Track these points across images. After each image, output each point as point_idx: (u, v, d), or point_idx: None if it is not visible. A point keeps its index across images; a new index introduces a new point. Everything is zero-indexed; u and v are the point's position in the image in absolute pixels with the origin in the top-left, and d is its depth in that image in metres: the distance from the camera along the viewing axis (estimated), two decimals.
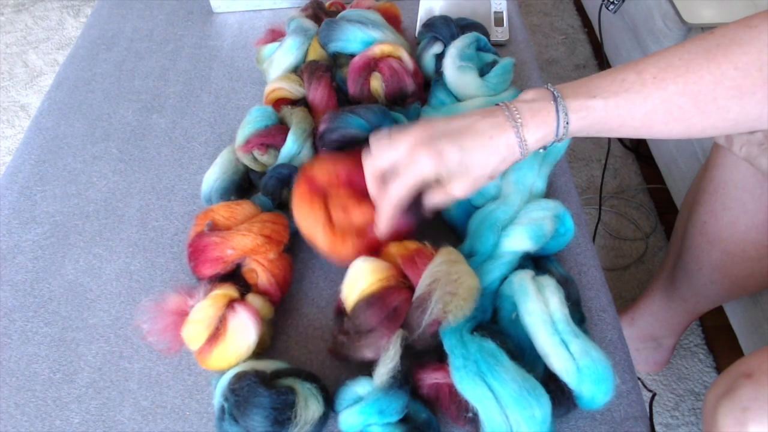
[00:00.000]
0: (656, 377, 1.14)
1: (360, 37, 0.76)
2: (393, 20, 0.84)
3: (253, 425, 0.47)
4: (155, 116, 0.82)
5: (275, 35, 0.85)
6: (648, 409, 0.89)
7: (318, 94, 0.73)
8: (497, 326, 0.54)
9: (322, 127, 0.67)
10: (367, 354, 0.51)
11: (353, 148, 0.63)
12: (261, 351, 0.56)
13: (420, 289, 0.50)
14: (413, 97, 0.74)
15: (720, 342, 1.18)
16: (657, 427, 1.09)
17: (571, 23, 1.95)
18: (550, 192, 0.68)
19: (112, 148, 0.78)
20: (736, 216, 0.77)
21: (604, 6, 1.45)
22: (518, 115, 0.52)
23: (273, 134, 0.67)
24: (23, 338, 0.60)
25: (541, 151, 0.56)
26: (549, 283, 0.53)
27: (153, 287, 0.63)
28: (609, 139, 1.29)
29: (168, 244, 0.67)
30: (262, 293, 0.57)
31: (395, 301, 0.50)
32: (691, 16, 1.13)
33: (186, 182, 0.73)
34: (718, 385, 0.45)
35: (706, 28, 1.12)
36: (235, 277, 0.59)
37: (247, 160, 0.68)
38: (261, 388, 0.47)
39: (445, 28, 0.80)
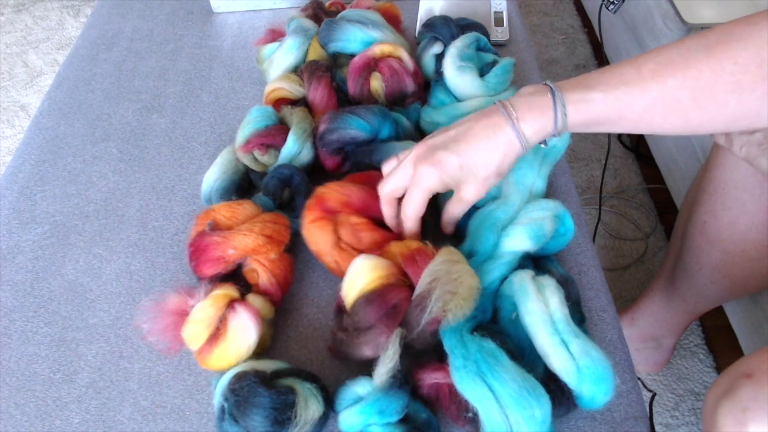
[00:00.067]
0: (656, 377, 1.14)
1: (360, 37, 0.76)
2: (393, 20, 0.84)
3: (253, 425, 0.47)
4: (155, 116, 0.82)
5: (275, 35, 0.85)
6: (648, 409, 0.89)
7: (318, 94, 0.73)
8: (497, 326, 0.54)
9: (322, 127, 0.67)
10: (366, 351, 0.51)
11: (365, 169, 0.64)
12: (261, 351, 0.56)
13: (420, 287, 0.50)
14: (413, 97, 0.74)
15: (720, 342, 1.18)
16: (657, 427, 1.09)
17: (571, 23, 1.95)
18: (550, 192, 0.68)
19: (112, 148, 0.78)
20: (736, 216, 0.77)
21: (604, 6, 1.45)
22: (514, 111, 0.52)
23: (273, 134, 0.67)
24: (23, 338, 0.60)
25: (543, 146, 0.56)
26: (549, 283, 0.53)
27: (153, 287, 0.63)
28: (609, 139, 1.29)
29: (168, 244, 0.67)
30: (263, 293, 0.57)
31: (395, 299, 0.50)
32: (691, 16, 1.13)
33: (186, 182, 0.73)
34: (718, 385, 0.45)
35: (706, 28, 1.12)
36: (235, 277, 0.59)
37: (247, 160, 0.68)
38: (261, 388, 0.47)
39: (445, 28, 0.80)
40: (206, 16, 0.99)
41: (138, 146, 0.78)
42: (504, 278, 0.56)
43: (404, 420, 0.49)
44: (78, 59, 0.92)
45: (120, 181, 0.74)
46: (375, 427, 0.48)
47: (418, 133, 0.72)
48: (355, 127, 0.65)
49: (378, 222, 0.60)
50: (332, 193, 0.59)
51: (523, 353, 0.52)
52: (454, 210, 0.59)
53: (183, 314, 0.53)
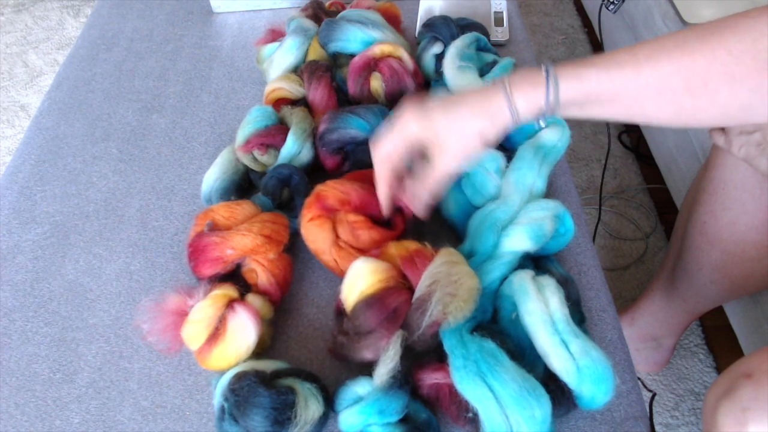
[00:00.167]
0: (656, 377, 1.14)
1: (360, 37, 0.76)
2: (393, 20, 0.84)
3: (253, 425, 0.47)
4: (155, 116, 0.82)
5: (275, 35, 0.85)
6: (648, 409, 0.89)
7: (318, 94, 0.73)
8: (497, 326, 0.54)
9: (322, 127, 0.67)
10: (367, 355, 0.51)
11: (365, 168, 0.64)
12: (261, 351, 0.56)
13: (420, 290, 0.50)
14: None
15: (720, 342, 1.18)
16: (657, 427, 1.09)
17: (571, 23, 1.95)
18: (550, 192, 0.68)
19: (112, 148, 0.78)
20: (735, 216, 0.77)
21: (604, 6, 1.45)
22: (509, 84, 0.53)
23: (273, 134, 0.67)
24: (23, 338, 0.60)
25: (537, 125, 0.56)
26: (549, 283, 0.53)
27: (153, 287, 0.63)
28: (609, 139, 1.29)
29: (168, 244, 0.67)
30: (262, 293, 0.57)
31: (395, 302, 0.50)
32: (691, 16, 1.13)
33: (186, 182, 0.73)
34: (718, 385, 0.45)
35: None
36: (235, 277, 0.59)
37: (247, 160, 0.68)
38: (261, 388, 0.47)
39: (445, 28, 0.80)
40: (206, 16, 0.99)
41: (138, 146, 0.78)
42: (504, 278, 0.56)
43: (404, 420, 0.49)
44: (78, 59, 0.92)
45: (120, 181, 0.74)
46: (375, 427, 0.48)
47: None
48: (355, 126, 0.65)
49: (376, 220, 0.60)
50: (331, 191, 0.59)
51: (523, 353, 0.52)
52: (429, 178, 0.57)
53: (183, 314, 0.53)
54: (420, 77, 0.76)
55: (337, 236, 0.59)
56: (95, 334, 0.60)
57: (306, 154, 0.68)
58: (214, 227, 0.59)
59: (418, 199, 0.59)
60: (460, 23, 0.82)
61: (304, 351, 0.57)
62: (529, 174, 0.61)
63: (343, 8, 0.85)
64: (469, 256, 0.57)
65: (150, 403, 0.55)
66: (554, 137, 0.64)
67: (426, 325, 0.49)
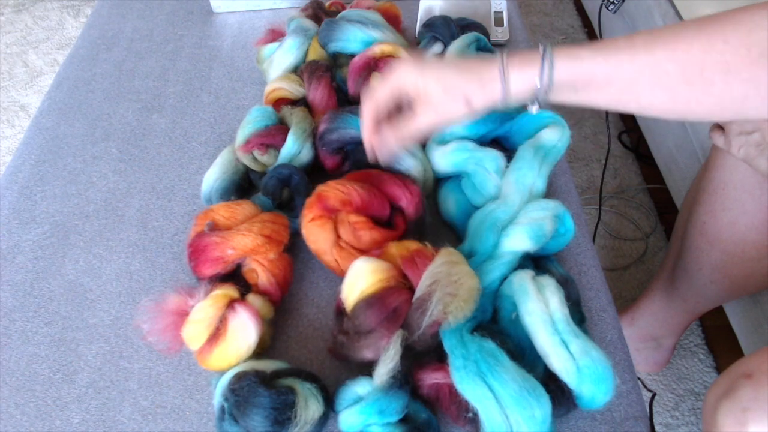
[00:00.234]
0: (656, 377, 1.14)
1: (360, 37, 0.76)
2: (393, 20, 0.84)
3: (253, 425, 0.47)
4: (155, 116, 0.82)
5: (275, 35, 0.85)
6: (648, 409, 0.89)
7: (318, 94, 0.73)
8: (497, 326, 0.54)
9: (322, 127, 0.67)
10: (367, 354, 0.51)
11: (365, 168, 0.64)
12: (261, 351, 0.56)
13: (420, 290, 0.50)
14: None
15: (720, 342, 1.18)
16: (657, 427, 1.09)
17: (571, 23, 1.95)
18: (550, 192, 0.68)
19: (112, 148, 0.78)
20: (735, 216, 0.78)
21: (604, 6, 1.45)
22: (506, 56, 0.53)
23: (273, 134, 0.67)
24: (23, 338, 0.60)
25: (531, 108, 0.56)
26: (549, 283, 0.53)
27: (153, 287, 0.63)
28: (609, 139, 1.29)
29: (168, 244, 0.67)
30: (262, 293, 0.57)
31: (395, 302, 0.50)
32: (692, 16, 1.13)
33: (186, 182, 0.73)
34: (718, 385, 0.45)
35: None
36: (235, 277, 0.59)
37: (247, 160, 0.68)
38: (261, 388, 0.47)
39: (445, 28, 0.80)
40: (206, 16, 0.99)
41: (138, 146, 0.78)
42: (504, 278, 0.56)
43: (404, 420, 0.49)
44: (78, 59, 0.92)
45: (120, 181, 0.74)
46: (375, 427, 0.48)
47: None
48: (355, 126, 0.65)
49: (377, 221, 0.60)
50: (332, 191, 0.59)
51: (523, 353, 0.52)
52: (404, 128, 0.58)
53: (183, 314, 0.53)
54: None
55: (338, 236, 0.59)
56: (95, 334, 0.60)
57: (306, 154, 0.68)
58: (214, 227, 0.59)
59: (386, 145, 0.60)
60: (460, 23, 0.82)
61: (304, 351, 0.57)
62: (529, 174, 0.61)
63: (343, 8, 0.85)
64: (469, 256, 0.57)
65: (150, 403, 0.55)
66: (554, 137, 0.64)
67: (426, 325, 0.49)
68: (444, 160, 0.65)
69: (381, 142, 0.60)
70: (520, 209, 0.59)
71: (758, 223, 0.76)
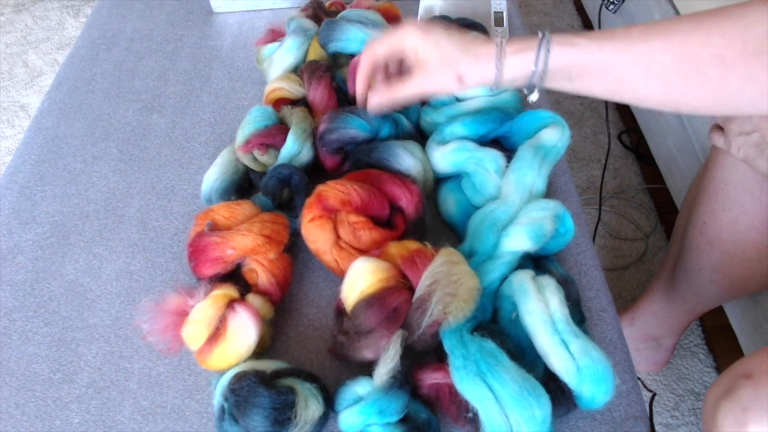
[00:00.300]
0: (656, 377, 1.14)
1: (360, 37, 0.76)
2: (393, 20, 0.84)
3: (253, 425, 0.47)
4: (155, 116, 0.82)
5: (275, 35, 0.85)
6: (648, 409, 0.89)
7: (318, 94, 0.73)
8: (497, 326, 0.54)
9: (322, 127, 0.67)
10: (367, 354, 0.51)
11: (365, 168, 0.64)
12: (261, 351, 0.56)
13: (420, 290, 0.50)
14: None
15: (720, 342, 1.18)
16: (657, 427, 1.09)
17: (571, 23, 1.95)
18: (550, 192, 0.68)
19: (112, 148, 0.78)
20: (735, 216, 0.78)
21: (604, 6, 1.46)
22: (504, 39, 0.54)
23: (273, 134, 0.67)
24: (23, 338, 0.60)
25: (528, 93, 0.56)
26: (549, 283, 0.53)
27: (153, 287, 0.63)
28: (609, 139, 1.29)
29: (168, 244, 0.67)
30: (262, 293, 0.57)
31: (395, 302, 0.50)
32: None
33: (186, 182, 0.73)
34: (718, 385, 0.45)
35: None
36: (235, 277, 0.59)
37: (247, 160, 0.68)
38: (261, 388, 0.47)
39: None
40: (206, 16, 0.99)
41: (138, 146, 0.78)
42: (504, 278, 0.56)
43: (404, 420, 0.49)
44: (78, 59, 0.92)
45: (120, 181, 0.74)
46: (375, 427, 0.48)
47: (418, 133, 0.72)
48: (355, 126, 0.65)
49: (377, 221, 0.60)
50: (332, 191, 0.59)
51: (523, 353, 0.52)
52: (397, 88, 0.59)
53: (183, 314, 0.53)
54: None
55: (338, 237, 0.59)
56: (95, 334, 0.60)
57: (306, 154, 0.68)
58: (214, 227, 0.59)
59: (376, 99, 0.62)
60: (460, 23, 0.82)
61: (304, 351, 0.57)
62: (529, 174, 0.61)
63: (343, 8, 0.85)
64: (469, 256, 0.57)
65: (150, 403, 0.55)
66: (554, 137, 0.64)
67: (426, 325, 0.49)
68: (444, 160, 0.65)
69: (372, 95, 0.62)
70: (520, 209, 0.60)
71: (758, 223, 0.76)
